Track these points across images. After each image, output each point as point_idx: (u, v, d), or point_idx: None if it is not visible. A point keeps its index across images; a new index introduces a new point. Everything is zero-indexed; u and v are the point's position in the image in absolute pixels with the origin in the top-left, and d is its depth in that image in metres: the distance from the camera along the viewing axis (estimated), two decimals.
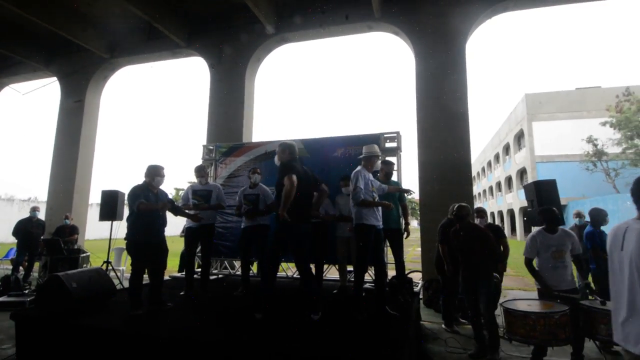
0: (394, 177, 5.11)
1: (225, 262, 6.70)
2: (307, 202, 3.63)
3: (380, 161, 4.48)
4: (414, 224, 32.51)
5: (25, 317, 3.60)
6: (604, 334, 3.19)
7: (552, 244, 3.66)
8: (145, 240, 3.84)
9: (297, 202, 3.37)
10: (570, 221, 6.07)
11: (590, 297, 3.69)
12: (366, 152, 3.95)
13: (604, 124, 20.12)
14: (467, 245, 3.95)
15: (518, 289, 8.07)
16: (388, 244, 4.81)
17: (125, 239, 3.95)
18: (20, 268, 7.68)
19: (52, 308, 3.59)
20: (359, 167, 3.86)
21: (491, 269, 3.86)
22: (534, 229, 3.91)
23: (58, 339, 3.36)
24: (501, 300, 3.88)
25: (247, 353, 2.78)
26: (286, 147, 3.66)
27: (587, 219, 5.06)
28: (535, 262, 3.79)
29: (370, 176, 3.87)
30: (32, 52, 10.48)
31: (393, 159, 5.47)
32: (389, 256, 5.01)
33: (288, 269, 6.57)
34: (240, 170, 6.47)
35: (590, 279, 4.82)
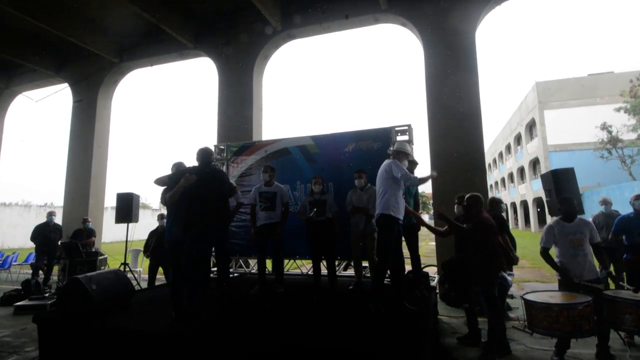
0: None
1: (240, 260, 6.73)
2: (202, 209, 3.56)
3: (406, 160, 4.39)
4: (425, 218, 32.25)
5: (47, 320, 3.66)
6: (629, 325, 3.12)
7: (570, 232, 3.60)
8: None
9: (191, 209, 3.48)
10: (590, 210, 5.91)
11: (623, 285, 3.62)
12: (397, 147, 3.96)
13: (618, 109, 19.63)
14: (470, 236, 3.78)
15: (535, 281, 7.95)
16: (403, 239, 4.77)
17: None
18: (40, 272, 7.82)
19: (73, 310, 3.64)
20: (389, 160, 3.84)
21: (493, 273, 3.59)
22: (551, 219, 3.84)
23: (80, 340, 3.41)
24: (521, 292, 3.81)
25: (261, 346, 2.78)
26: (197, 153, 3.79)
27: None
28: (554, 253, 3.72)
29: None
30: (43, 60, 10.63)
31: None
32: (404, 251, 4.97)
33: (302, 266, 6.57)
34: (252, 169, 6.48)
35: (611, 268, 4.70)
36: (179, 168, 3.92)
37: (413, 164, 4.71)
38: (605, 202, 5.48)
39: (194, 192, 3.54)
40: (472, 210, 3.78)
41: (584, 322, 3.06)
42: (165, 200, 3.67)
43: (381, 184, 3.76)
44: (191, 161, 3.98)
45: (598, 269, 3.70)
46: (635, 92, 19.06)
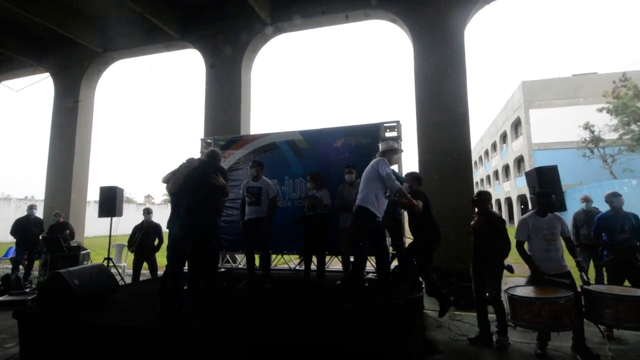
0: (394, 168, 5.08)
1: (227, 255, 6.69)
2: (193, 199, 3.61)
3: (398, 156, 4.33)
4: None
5: (28, 316, 3.57)
6: (608, 319, 3.22)
7: (543, 227, 3.69)
8: None
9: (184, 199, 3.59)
10: (571, 207, 6.05)
11: (585, 279, 3.75)
12: (383, 148, 4.01)
13: (600, 110, 20.08)
14: (486, 231, 3.94)
15: (519, 276, 8.10)
16: (388, 234, 4.80)
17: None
18: (20, 267, 7.64)
19: (55, 305, 3.56)
20: (378, 157, 3.86)
21: (502, 258, 3.90)
22: (525, 214, 3.92)
23: (61, 336, 3.34)
24: (504, 286, 3.89)
25: (248, 343, 2.77)
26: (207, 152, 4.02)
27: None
28: (526, 247, 3.81)
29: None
30: (24, 48, 10.29)
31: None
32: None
33: (290, 261, 6.57)
34: (239, 164, 6.42)
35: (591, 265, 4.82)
36: (190, 163, 3.89)
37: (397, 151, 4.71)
38: (587, 200, 5.61)
39: (189, 181, 3.50)
40: (484, 205, 4.04)
41: (565, 316, 3.14)
42: (168, 188, 3.68)
43: (365, 178, 3.79)
44: (183, 155, 4.00)
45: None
46: (618, 93, 19.55)
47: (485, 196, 4.09)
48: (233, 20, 8.67)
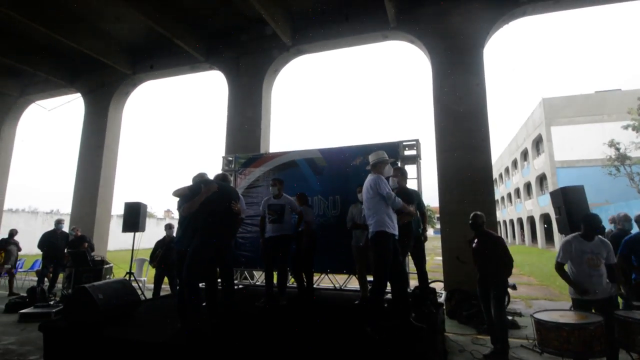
0: (414, 186, 5.06)
1: (245, 272, 6.71)
2: (213, 220, 3.69)
3: (389, 166, 4.24)
4: (430, 232, 31.99)
5: (53, 329, 3.66)
6: None
7: (587, 251, 3.52)
8: None
9: (204, 220, 3.67)
10: None
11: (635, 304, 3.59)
12: (373, 161, 3.79)
13: (625, 127, 19.50)
14: (481, 252, 4.09)
15: (544, 299, 7.82)
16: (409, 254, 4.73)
17: None
18: (45, 279, 7.85)
19: (80, 319, 3.64)
20: (373, 175, 3.70)
21: (502, 275, 3.99)
22: (569, 235, 3.77)
23: (85, 350, 3.40)
24: (529, 310, 3.77)
25: None
26: (215, 176, 4.14)
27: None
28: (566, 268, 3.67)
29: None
30: (57, 70, 10.90)
31: (413, 167, 5.43)
32: (410, 266, 4.93)
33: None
34: (259, 181, 6.52)
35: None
36: (201, 178, 3.97)
37: (401, 175, 4.66)
38: (615, 221, 5.41)
39: (209, 204, 3.58)
40: (481, 228, 4.17)
41: (596, 342, 3.00)
42: (183, 210, 3.69)
43: (369, 200, 3.64)
44: (206, 172, 4.10)
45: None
46: None
47: (479, 219, 4.18)
48: (255, 43, 8.97)
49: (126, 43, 9.98)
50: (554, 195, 4.89)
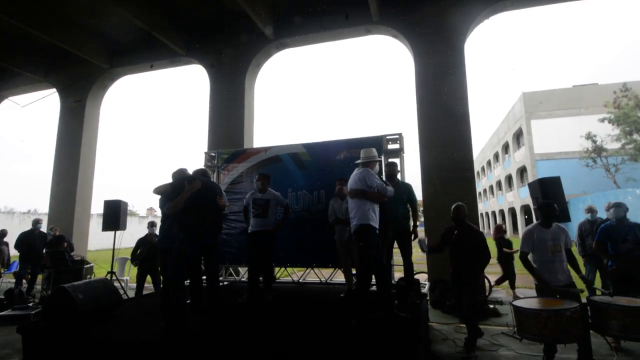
0: (399, 178, 5.09)
1: (230, 268, 6.67)
2: (197, 217, 3.63)
3: (378, 166, 4.35)
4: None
5: (32, 330, 3.56)
6: (615, 330, 3.18)
7: (548, 238, 3.67)
8: None
9: (187, 217, 3.59)
10: (575, 217, 6.04)
11: (596, 289, 3.71)
12: (365, 158, 3.85)
13: (602, 120, 20.15)
14: (459, 244, 4.11)
15: (524, 287, 8.03)
16: (396, 246, 4.79)
17: None
18: (23, 281, 7.63)
19: (59, 320, 3.56)
20: (362, 168, 3.76)
21: (476, 272, 4.05)
22: (529, 225, 3.90)
23: (66, 351, 3.32)
24: (509, 298, 3.87)
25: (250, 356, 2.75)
26: (194, 171, 4.03)
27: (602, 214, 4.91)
28: (530, 258, 3.79)
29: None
30: (31, 64, 10.49)
31: (396, 160, 5.47)
32: (396, 258, 4.99)
33: (293, 274, 6.54)
34: (243, 177, 6.47)
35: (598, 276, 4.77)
36: (181, 174, 3.90)
37: (392, 167, 4.82)
38: (591, 210, 5.59)
39: (193, 200, 3.53)
40: (462, 220, 4.19)
41: (572, 327, 3.10)
42: (167, 208, 3.62)
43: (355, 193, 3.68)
44: (188, 168, 4.02)
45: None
46: (619, 103, 19.63)
47: (461, 211, 4.22)
48: (237, 36, 8.83)
49: (103, 36, 9.66)
50: (532, 186, 5.02)
